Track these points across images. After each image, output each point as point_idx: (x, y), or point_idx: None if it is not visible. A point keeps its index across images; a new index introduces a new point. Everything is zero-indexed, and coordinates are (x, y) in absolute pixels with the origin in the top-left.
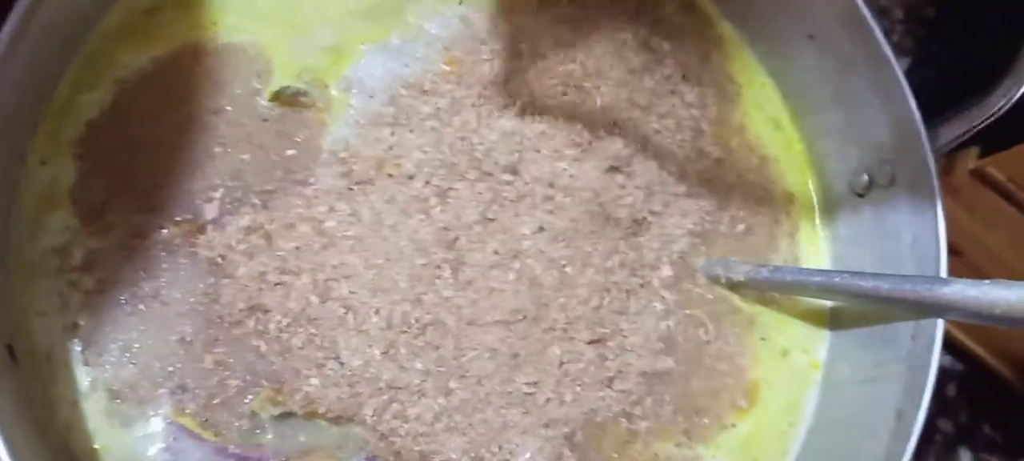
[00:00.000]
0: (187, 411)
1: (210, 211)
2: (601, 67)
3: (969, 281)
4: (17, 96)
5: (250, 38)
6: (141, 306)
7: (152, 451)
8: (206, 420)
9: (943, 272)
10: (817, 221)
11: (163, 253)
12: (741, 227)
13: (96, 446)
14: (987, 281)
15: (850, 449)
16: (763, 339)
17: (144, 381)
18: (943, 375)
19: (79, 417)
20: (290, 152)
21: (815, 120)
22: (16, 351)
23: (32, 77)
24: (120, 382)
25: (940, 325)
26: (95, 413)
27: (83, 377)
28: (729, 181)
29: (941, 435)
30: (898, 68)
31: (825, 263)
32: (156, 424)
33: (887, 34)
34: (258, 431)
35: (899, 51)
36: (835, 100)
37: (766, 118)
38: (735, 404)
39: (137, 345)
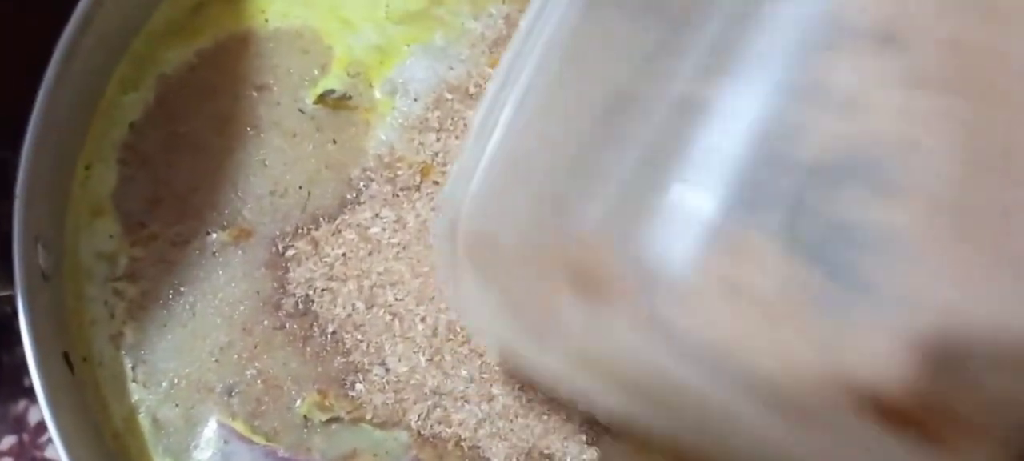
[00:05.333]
0: (237, 415)
1: (254, 215)
2: None
3: None
4: (72, 100)
5: (303, 22)
6: (183, 323)
7: (205, 455)
8: (256, 424)
9: None
10: None
11: (206, 260)
12: None
13: (148, 449)
14: None
15: None
16: None
17: (189, 413)
18: None
19: (131, 424)
20: (335, 153)
21: None
22: (72, 358)
23: (85, 81)
24: (163, 414)
25: None
26: (146, 425)
27: (132, 393)
28: None
29: None
30: None
31: None
32: (207, 429)
33: None
34: (306, 433)
35: None
36: None
37: None
38: None
39: (182, 375)
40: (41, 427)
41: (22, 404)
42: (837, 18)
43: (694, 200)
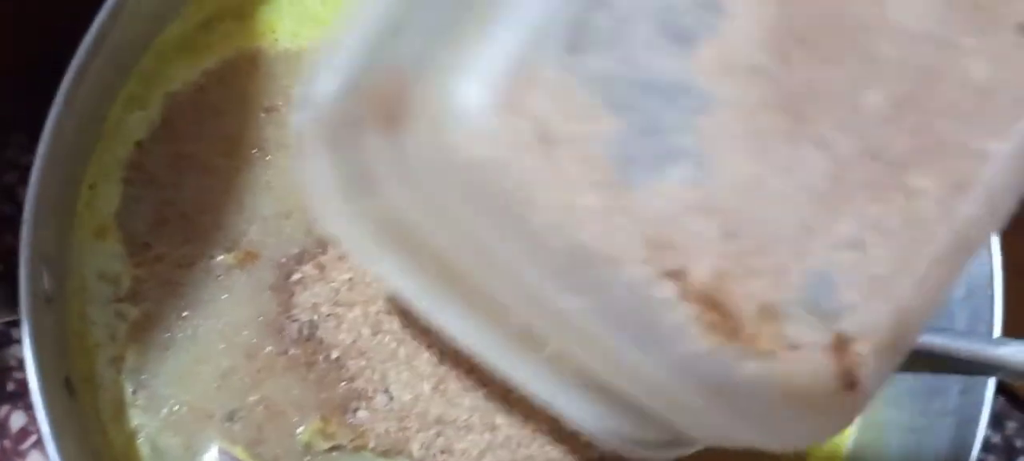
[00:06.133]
0: (238, 442)
1: (260, 237)
2: None
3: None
4: (79, 118)
5: (313, 42)
6: (186, 347)
7: None
8: (257, 452)
9: (997, 328)
10: None
11: (210, 283)
12: None
13: None
14: None
15: None
16: None
17: (190, 440)
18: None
19: (131, 450)
20: None
21: None
22: (73, 382)
23: (93, 99)
24: (164, 441)
25: (991, 383)
26: (146, 451)
27: (132, 418)
28: None
29: None
30: None
31: None
32: (208, 456)
33: None
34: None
35: None
36: None
37: None
38: None
39: (184, 401)
40: (23, 433)
41: (4, 409)
42: None
43: (497, 36)
